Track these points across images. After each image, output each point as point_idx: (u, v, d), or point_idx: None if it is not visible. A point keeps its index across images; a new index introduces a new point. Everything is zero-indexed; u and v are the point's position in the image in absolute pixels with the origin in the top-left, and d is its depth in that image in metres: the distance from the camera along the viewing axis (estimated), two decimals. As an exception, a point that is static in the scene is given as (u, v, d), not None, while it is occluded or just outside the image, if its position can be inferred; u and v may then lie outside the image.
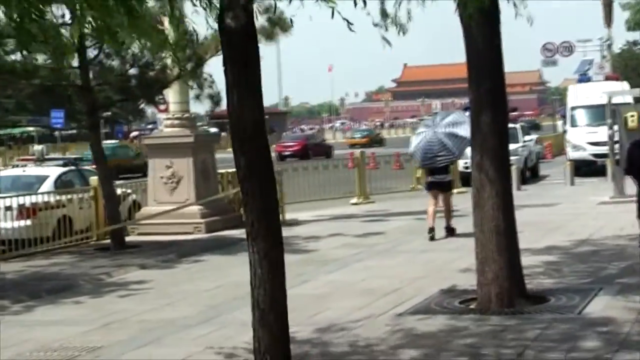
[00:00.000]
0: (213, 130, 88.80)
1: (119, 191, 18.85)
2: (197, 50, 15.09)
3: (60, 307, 10.81)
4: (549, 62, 58.39)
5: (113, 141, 56.13)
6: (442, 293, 10.28)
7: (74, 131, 73.37)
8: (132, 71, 15.34)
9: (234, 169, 19.59)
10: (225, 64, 6.32)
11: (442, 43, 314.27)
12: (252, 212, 6.41)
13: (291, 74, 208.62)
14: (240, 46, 6.23)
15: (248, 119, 6.40)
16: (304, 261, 13.43)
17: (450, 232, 15.48)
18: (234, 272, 12.74)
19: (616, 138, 20.54)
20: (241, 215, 19.07)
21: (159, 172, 18.30)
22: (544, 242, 13.83)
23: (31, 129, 75.26)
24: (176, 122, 18.50)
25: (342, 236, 16.26)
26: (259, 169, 6.32)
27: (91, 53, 15.05)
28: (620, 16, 64.58)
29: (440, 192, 15.73)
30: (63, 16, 14.11)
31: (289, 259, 14.00)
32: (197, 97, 16.91)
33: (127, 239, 17.35)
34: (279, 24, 15.55)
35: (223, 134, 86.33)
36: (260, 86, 6.35)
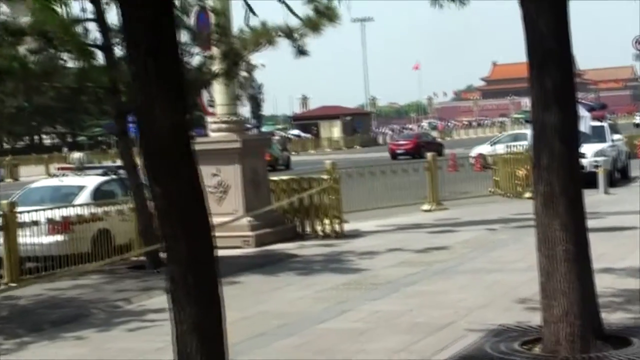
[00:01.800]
0: (295, 132, 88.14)
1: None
2: (234, 46, 13.58)
3: (57, 345, 9.37)
4: (641, 56, 55.51)
5: (277, 137, 64.94)
6: (502, 331, 8.51)
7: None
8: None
9: (289, 176, 18.17)
10: (127, 47, 4.66)
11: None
12: (174, 263, 4.67)
13: (378, 74, 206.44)
14: (144, 21, 4.50)
15: (161, 124, 4.57)
16: (351, 284, 11.78)
17: None
18: (268, 299, 11.17)
19: None
20: (295, 227, 17.58)
21: (205, 181, 16.78)
22: (628, 261, 11.92)
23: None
24: (223, 125, 17.03)
25: (401, 252, 14.55)
26: (182, 197, 4.60)
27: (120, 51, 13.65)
28: None
29: None
30: (84, 10, 12.78)
31: (336, 280, 12.72)
32: (238, 97, 15.40)
33: (170, 254, 15.98)
34: (326, 14, 13.92)
35: (307, 135, 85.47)
36: (181, 78, 4.65)
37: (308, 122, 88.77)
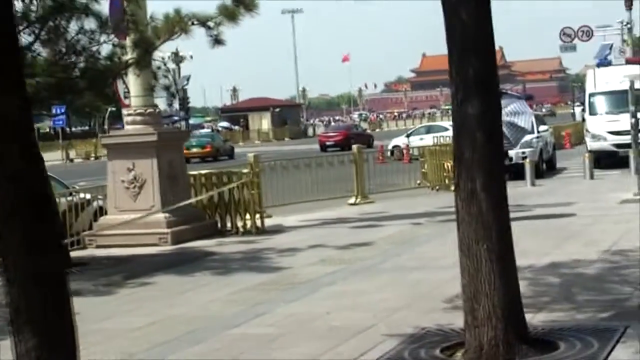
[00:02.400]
0: (224, 124, 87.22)
1: (82, 196, 16.78)
2: (145, 34, 12.88)
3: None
4: (568, 47, 55.91)
5: (208, 130, 69.00)
6: (423, 335, 8.01)
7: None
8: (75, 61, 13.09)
9: (208, 170, 17.50)
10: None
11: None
12: (14, 286, 3.96)
13: (309, 66, 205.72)
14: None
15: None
16: (268, 284, 11.20)
17: None
18: (179, 302, 10.54)
19: (640, 127, 18.27)
20: (215, 223, 16.96)
21: (120, 176, 16.11)
22: (553, 255, 11.54)
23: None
24: (138, 118, 16.30)
25: (322, 248, 14.03)
26: (23, 197, 3.91)
27: (24, 39, 12.84)
28: (641, -2, 61.97)
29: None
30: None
31: (253, 280, 12.08)
32: (152, 88, 14.69)
33: (82, 253, 15.25)
34: (244, 3, 13.29)
35: (236, 127, 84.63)
36: (19, 66, 3.99)
37: (237, 114, 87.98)
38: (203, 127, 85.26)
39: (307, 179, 21.31)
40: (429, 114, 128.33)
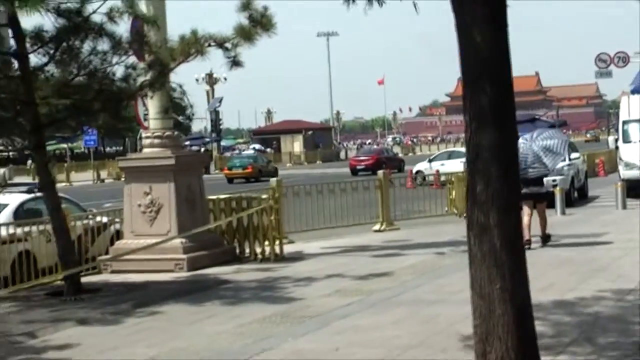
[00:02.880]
0: (256, 146, 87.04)
1: (98, 219, 16.48)
2: (160, 56, 12.57)
3: None
4: (603, 73, 55.22)
5: (251, 151, 70.20)
6: (432, 377, 7.55)
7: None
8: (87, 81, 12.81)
9: (227, 195, 17.15)
10: None
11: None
12: None
13: (344, 89, 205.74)
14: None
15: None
16: (279, 316, 10.78)
17: (546, 239, 16.12)
18: (186, 333, 10.15)
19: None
20: (234, 249, 16.60)
21: (136, 200, 15.80)
22: (578, 291, 11.02)
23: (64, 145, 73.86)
24: (156, 141, 16.00)
25: (340, 278, 13.59)
26: None
27: (38, 59, 12.62)
28: (679, 24, 61.13)
29: (536, 202, 16.20)
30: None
31: (264, 311, 11.56)
32: (166, 110, 14.37)
33: (96, 278, 14.92)
34: (261, 23, 12.94)
35: (268, 150, 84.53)
36: None
37: (269, 136, 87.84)
38: (234, 149, 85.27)
39: (331, 204, 20.91)
40: (458, 139, 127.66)
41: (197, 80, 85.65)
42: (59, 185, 54.20)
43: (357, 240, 19.02)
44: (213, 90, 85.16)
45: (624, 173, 26.98)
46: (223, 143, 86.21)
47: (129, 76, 12.96)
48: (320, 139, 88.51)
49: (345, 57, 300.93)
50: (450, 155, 41.75)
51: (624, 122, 27.66)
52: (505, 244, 6.84)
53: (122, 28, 12.50)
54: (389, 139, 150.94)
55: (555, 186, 24.52)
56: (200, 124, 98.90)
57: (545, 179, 25.47)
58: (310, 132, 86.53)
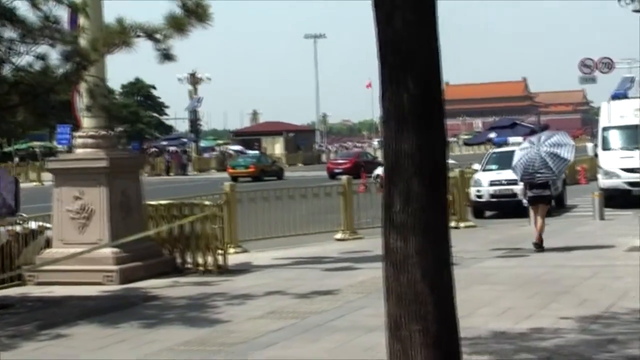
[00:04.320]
0: (236, 147, 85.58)
1: (32, 225, 15.16)
2: (78, 47, 11.26)
3: None
4: (588, 79, 54.25)
5: (256, 151, 70.23)
6: None
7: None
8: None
9: (171, 200, 15.81)
10: None
11: (484, 61, 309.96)
12: None
13: (332, 92, 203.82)
14: None
15: None
16: (196, 343, 9.46)
17: (539, 245, 15.95)
18: (82, 363, 8.84)
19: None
20: (174, 259, 15.29)
21: (66, 205, 14.47)
22: (536, 318, 9.72)
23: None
24: (89, 141, 14.67)
25: (280, 295, 12.29)
26: None
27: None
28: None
29: (541, 204, 16.31)
30: None
31: (181, 337, 9.79)
32: (88, 108, 13.05)
33: (16, 291, 13.61)
34: (196, 12, 11.63)
35: (250, 152, 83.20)
36: None
37: (250, 137, 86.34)
38: (214, 150, 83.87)
39: (293, 211, 19.66)
40: (448, 142, 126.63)
41: (179, 79, 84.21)
42: (30, 185, 52.41)
43: (314, 251, 17.76)
44: (196, 90, 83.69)
45: (603, 182, 25.78)
46: (202, 144, 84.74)
47: (48, 68, 11.61)
48: (302, 141, 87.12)
49: (334, 59, 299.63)
50: None
51: (604, 129, 26.43)
52: (428, 277, 5.58)
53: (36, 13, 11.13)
54: (375, 142, 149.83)
55: (530, 195, 23.33)
56: (184, 124, 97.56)
57: (518, 188, 24.52)
58: (291, 134, 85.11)
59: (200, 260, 15.11)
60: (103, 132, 14.64)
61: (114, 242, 13.84)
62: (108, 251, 14.08)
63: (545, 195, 16.45)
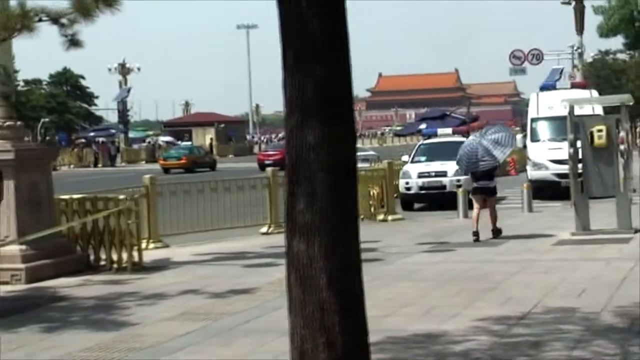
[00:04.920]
0: (166, 139, 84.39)
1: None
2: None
3: None
4: (518, 70, 54.60)
5: (188, 143, 70.33)
6: None
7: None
8: None
9: (82, 195, 15.06)
10: None
11: (417, 52, 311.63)
12: None
13: (265, 82, 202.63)
14: None
15: None
16: (96, 350, 8.80)
17: (497, 233, 16.45)
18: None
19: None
20: (87, 256, 14.57)
21: (-30, 200, 13.64)
22: (459, 319, 9.26)
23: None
24: (-6, 132, 13.89)
25: (194, 295, 11.69)
26: None
27: None
28: (592, 21, 60.75)
29: (486, 196, 16.59)
30: None
31: (81, 343, 8.59)
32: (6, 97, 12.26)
33: None
34: (104, -4, 10.93)
35: (180, 142, 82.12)
36: None
37: (181, 128, 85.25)
38: (144, 141, 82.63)
39: (218, 203, 19.04)
40: (381, 133, 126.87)
41: (109, 69, 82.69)
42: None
43: (237, 245, 17.19)
44: (126, 80, 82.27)
45: (532, 173, 25.62)
46: (132, 134, 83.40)
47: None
48: (233, 132, 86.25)
49: (266, 50, 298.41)
50: None
51: (532, 120, 26.28)
52: (335, 283, 5.05)
53: None
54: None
55: (459, 187, 23.05)
56: (114, 115, 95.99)
57: (447, 180, 24.30)
58: (222, 125, 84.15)
59: (114, 257, 14.43)
60: (9, 123, 13.84)
61: (20, 239, 13.08)
62: (15, 248, 13.33)
63: (492, 187, 16.67)
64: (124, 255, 14.31)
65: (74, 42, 11.44)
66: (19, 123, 14.03)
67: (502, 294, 10.68)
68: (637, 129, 57.68)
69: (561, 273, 11.88)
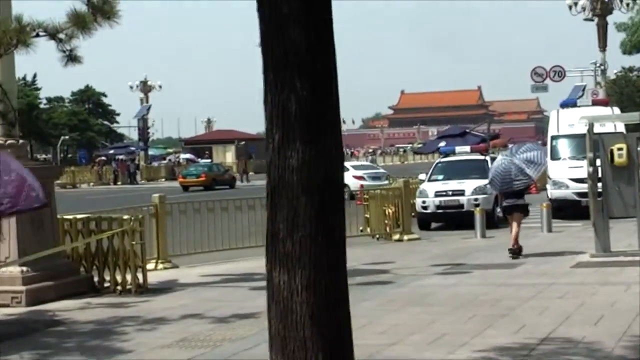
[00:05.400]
0: (187, 156, 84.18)
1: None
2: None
3: None
4: (539, 87, 54.00)
5: (207, 160, 70.56)
6: None
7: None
8: None
9: (85, 214, 14.70)
10: None
11: (438, 70, 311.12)
12: None
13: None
14: None
15: None
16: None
17: (517, 252, 16.32)
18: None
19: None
20: (91, 278, 14.21)
21: (-29, 220, 13.31)
22: (469, 347, 8.79)
23: None
24: (-4, 151, 13.53)
25: (197, 319, 11.28)
26: None
27: None
28: (615, 38, 60.24)
29: (515, 212, 16.60)
30: None
31: None
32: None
33: None
34: (102, 9, 10.59)
35: (200, 160, 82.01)
36: None
37: (201, 146, 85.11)
38: (164, 159, 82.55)
39: (233, 223, 18.65)
40: (403, 150, 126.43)
41: (130, 87, 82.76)
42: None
43: (247, 266, 16.78)
44: (147, 97, 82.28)
45: (552, 192, 25.06)
46: (152, 152, 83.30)
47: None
48: (254, 149, 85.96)
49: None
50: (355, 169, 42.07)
51: (553, 138, 25.74)
52: (318, 318, 4.62)
53: None
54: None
55: (477, 206, 22.57)
56: (136, 133, 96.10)
57: (464, 199, 23.79)
58: (242, 143, 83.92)
59: (119, 278, 14.05)
60: (10, 141, 13.52)
61: (21, 259, 12.74)
62: (16, 270, 13.00)
63: (520, 204, 16.66)
64: (129, 277, 13.92)
65: (72, 58, 11.09)
66: (21, 141, 13.70)
67: (515, 321, 10.19)
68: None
69: (578, 298, 11.37)
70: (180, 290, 14.01)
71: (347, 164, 49.18)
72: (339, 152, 4.77)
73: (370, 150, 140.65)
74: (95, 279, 14.29)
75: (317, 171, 4.62)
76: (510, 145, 26.50)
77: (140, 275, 13.97)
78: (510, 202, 16.65)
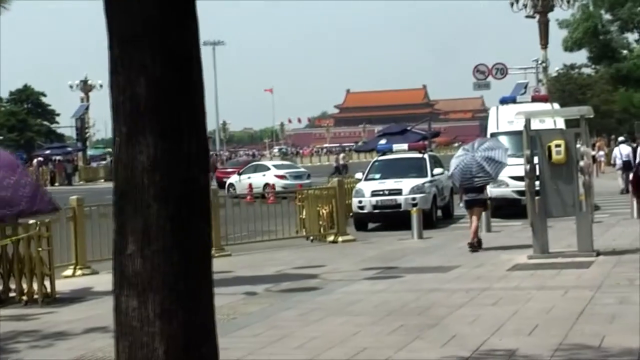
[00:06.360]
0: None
1: None
2: None
3: None
4: (482, 85, 53.78)
5: None
6: None
7: None
8: None
9: None
10: None
11: (384, 69, 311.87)
12: None
13: (233, 99, 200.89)
14: None
15: None
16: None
17: (476, 245, 16.47)
18: None
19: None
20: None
21: None
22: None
23: None
24: None
25: (100, 333, 10.26)
26: None
27: None
28: (558, 35, 60.26)
29: (475, 207, 16.92)
30: None
31: None
32: None
33: None
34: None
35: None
36: None
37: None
38: (104, 159, 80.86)
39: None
40: (348, 149, 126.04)
41: (70, 87, 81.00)
42: None
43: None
44: (88, 97, 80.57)
45: (491, 190, 24.26)
46: (91, 152, 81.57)
47: None
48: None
49: (233, 67, 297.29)
50: (256, 169, 42.11)
51: (492, 135, 25.09)
52: (176, 354, 3.74)
53: None
54: (275, 149, 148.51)
55: (414, 205, 21.86)
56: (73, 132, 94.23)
57: (402, 198, 23.09)
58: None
59: (26, 287, 13.04)
60: None
61: None
62: None
63: (480, 198, 16.91)
64: (35, 286, 12.91)
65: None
66: None
67: (445, 331, 9.39)
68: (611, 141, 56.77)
69: (513, 305, 10.61)
70: (91, 300, 13.05)
71: (268, 163, 48.21)
72: (201, 149, 3.90)
73: (316, 150, 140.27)
74: (0, 288, 13.26)
75: (173, 172, 3.75)
76: (457, 144, 25.94)
77: (48, 284, 12.97)
78: (471, 197, 16.79)
